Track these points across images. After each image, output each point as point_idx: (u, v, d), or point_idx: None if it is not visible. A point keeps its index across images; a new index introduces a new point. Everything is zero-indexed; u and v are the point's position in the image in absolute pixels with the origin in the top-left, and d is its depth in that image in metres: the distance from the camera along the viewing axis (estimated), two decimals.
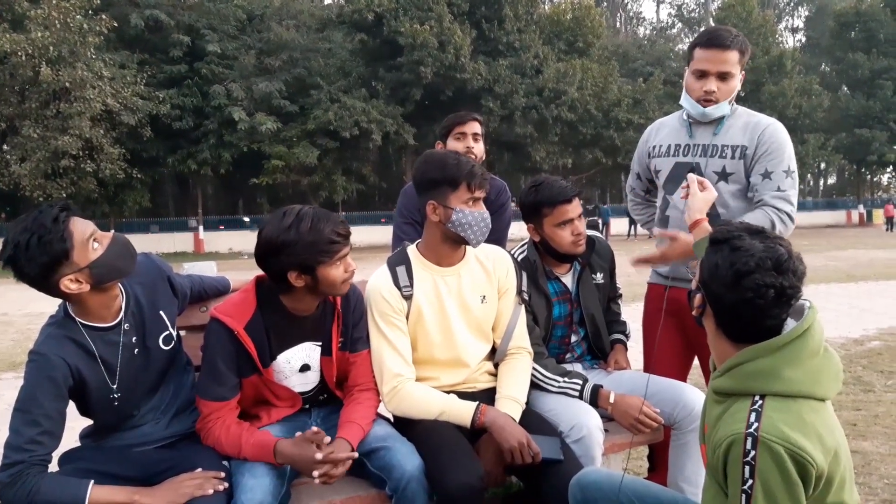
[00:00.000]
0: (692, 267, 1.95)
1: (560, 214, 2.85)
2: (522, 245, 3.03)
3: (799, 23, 69.91)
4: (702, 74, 2.88)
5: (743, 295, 1.66)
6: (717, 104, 2.88)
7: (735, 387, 1.73)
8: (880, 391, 5.37)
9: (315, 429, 2.22)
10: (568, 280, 3.00)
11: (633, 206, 3.50)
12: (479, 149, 3.55)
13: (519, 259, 2.95)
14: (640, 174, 3.36)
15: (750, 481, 1.60)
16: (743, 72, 2.94)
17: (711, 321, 1.79)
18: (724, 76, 2.85)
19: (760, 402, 1.65)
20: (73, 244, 2.02)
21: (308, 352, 2.46)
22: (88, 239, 2.06)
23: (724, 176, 2.94)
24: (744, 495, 1.61)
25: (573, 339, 3.05)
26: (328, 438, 2.21)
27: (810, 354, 1.71)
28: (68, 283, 2.05)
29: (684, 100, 2.99)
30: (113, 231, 2.19)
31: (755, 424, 1.62)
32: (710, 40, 2.86)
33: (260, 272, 2.39)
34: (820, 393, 1.70)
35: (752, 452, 1.60)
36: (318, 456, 2.14)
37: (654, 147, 3.18)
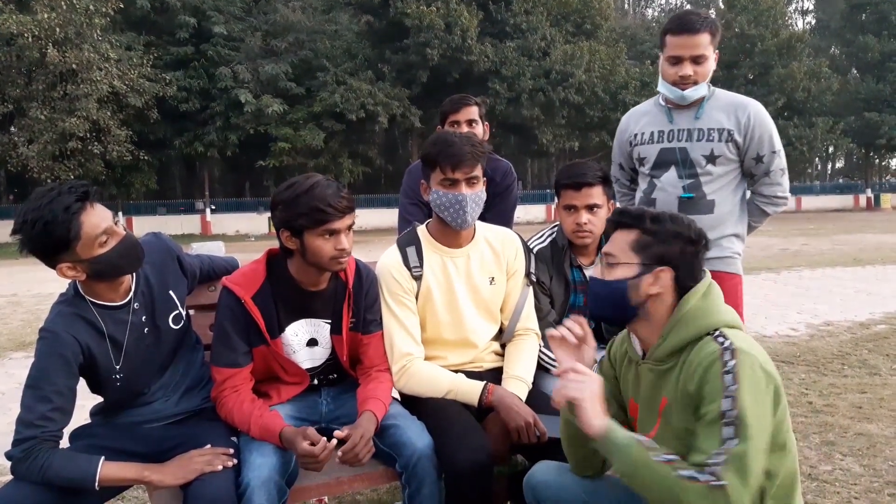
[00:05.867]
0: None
1: (565, 198, 2.85)
2: (553, 227, 3.03)
3: (809, 5, 69.12)
4: (676, 60, 2.97)
5: (700, 243, 1.86)
6: (694, 86, 2.97)
7: (689, 334, 1.80)
8: (886, 374, 5.37)
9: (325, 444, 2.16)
10: (590, 272, 2.96)
11: (621, 198, 3.52)
12: (477, 133, 3.48)
13: (546, 242, 2.96)
14: (623, 164, 3.43)
15: (733, 386, 1.66)
16: (717, 51, 3.01)
17: (670, 288, 1.86)
18: (697, 59, 2.94)
19: (719, 330, 1.77)
20: (80, 236, 2.02)
21: (316, 327, 2.48)
22: (98, 235, 2.06)
23: (711, 159, 3.02)
24: (727, 400, 1.65)
25: None
26: (333, 442, 2.17)
27: (724, 299, 1.90)
28: (65, 269, 2.08)
29: (661, 86, 3.07)
30: (127, 232, 2.17)
31: (727, 342, 1.72)
32: (680, 26, 2.94)
33: (270, 246, 2.42)
34: (743, 328, 1.86)
35: (733, 362, 1.68)
36: (305, 445, 2.13)
37: (635, 135, 3.23)
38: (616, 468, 1.79)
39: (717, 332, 1.76)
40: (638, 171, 3.31)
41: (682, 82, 2.97)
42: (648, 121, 3.19)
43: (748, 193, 3.22)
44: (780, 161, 3.07)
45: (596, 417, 1.79)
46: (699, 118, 3.03)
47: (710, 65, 2.98)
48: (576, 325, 1.98)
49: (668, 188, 3.09)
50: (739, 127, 2.99)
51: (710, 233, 2.96)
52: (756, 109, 3.02)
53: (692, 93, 2.98)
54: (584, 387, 1.83)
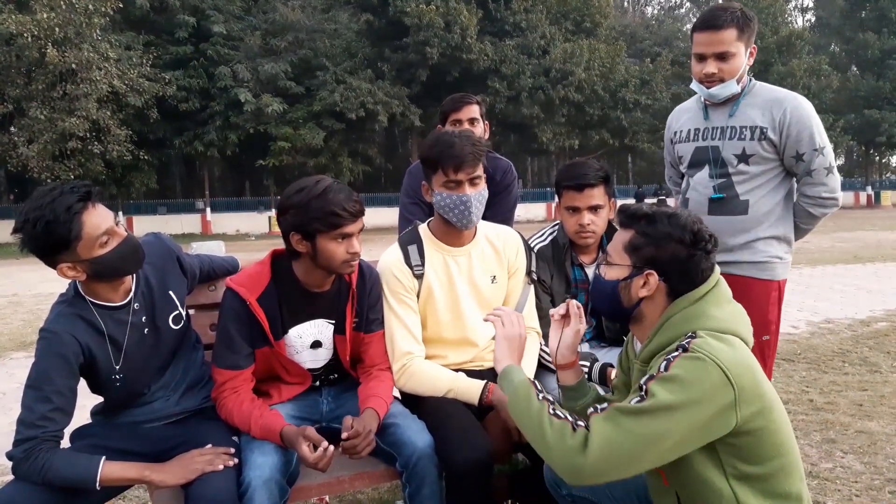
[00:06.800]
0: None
1: (567, 199, 2.84)
2: (554, 226, 3.02)
3: (808, 2, 69.02)
4: (701, 58, 2.88)
5: (698, 246, 1.80)
6: (722, 84, 2.86)
7: (668, 338, 1.78)
8: (887, 372, 5.38)
9: (325, 444, 2.15)
10: (591, 271, 2.95)
11: (678, 196, 3.41)
12: (478, 132, 3.47)
13: (547, 241, 2.96)
14: (672, 163, 3.35)
15: (664, 371, 1.65)
16: (753, 45, 2.90)
17: (662, 291, 1.84)
18: (722, 56, 2.83)
19: (692, 335, 1.72)
20: (81, 237, 2.02)
21: (320, 328, 2.48)
22: (99, 235, 2.06)
23: (744, 158, 2.91)
24: (649, 377, 1.67)
25: None
26: (331, 447, 2.16)
27: (727, 300, 1.86)
28: (65, 269, 2.08)
29: (693, 83, 2.99)
30: (128, 233, 2.17)
31: (689, 342, 1.68)
32: (704, 23, 2.85)
33: (275, 247, 2.42)
34: (745, 334, 1.78)
35: (676, 353, 1.67)
36: (305, 450, 2.12)
37: (675, 133, 3.18)
38: (508, 404, 1.90)
39: (689, 335, 1.72)
40: None
41: (707, 80, 2.87)
42: (688, 118, 3.12)
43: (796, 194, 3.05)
44: (825, 159, 2.86)
45: (504, 357, 2.01)
46: (733, 116, 2.92)
47: (740, 60, 2.83)
48: (564, 306, 2.12)
49: (700, 188, 3.00)
50: (774, 124, 2.84)
51: (743, 235, 2.93)
52: (795, 105, 2.85)
53: (719, 90, 2.87)
54: (509, 330, 2.05)
